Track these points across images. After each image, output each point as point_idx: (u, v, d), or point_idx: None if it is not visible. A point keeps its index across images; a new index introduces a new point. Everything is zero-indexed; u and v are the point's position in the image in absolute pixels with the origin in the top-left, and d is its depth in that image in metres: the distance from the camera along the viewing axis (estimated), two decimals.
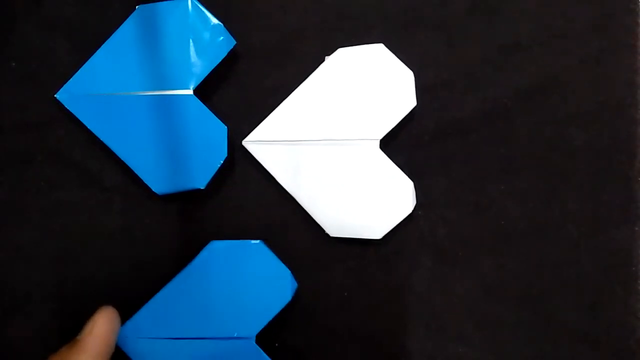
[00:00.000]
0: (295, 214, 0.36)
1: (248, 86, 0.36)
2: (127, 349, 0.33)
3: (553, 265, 0.34)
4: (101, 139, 0.35)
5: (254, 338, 0.33)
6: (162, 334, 0.33)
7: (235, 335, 0.33)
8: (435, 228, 0.35)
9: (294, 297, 0.34)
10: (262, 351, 0.33)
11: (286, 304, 0.33)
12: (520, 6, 0.35)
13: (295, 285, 0.34)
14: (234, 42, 0.35)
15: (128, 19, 0.35)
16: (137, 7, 0.35)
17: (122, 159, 0.35)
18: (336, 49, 0.35)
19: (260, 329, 0.33)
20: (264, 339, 0.34)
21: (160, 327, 0.33)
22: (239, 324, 0.33)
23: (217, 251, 0.34)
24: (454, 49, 0.35)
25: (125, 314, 0.35)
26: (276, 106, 0.35)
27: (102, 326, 0.31)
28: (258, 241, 0.34)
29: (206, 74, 0.34)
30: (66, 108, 0.35)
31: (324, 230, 0.35)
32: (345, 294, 0.35)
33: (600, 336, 0.34)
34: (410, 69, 0.34)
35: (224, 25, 0.34)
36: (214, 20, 0.34)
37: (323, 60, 0.35)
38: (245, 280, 0.33)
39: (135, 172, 0.35)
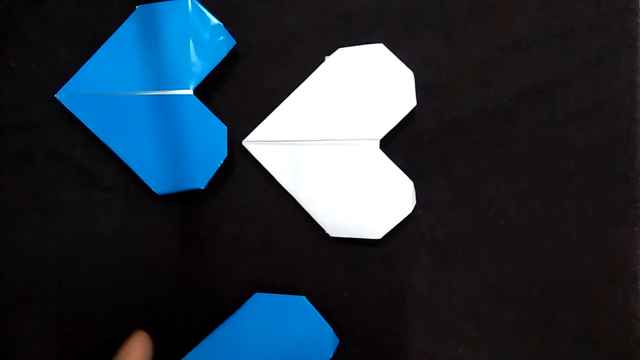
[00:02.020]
0: (295, 214, 0.36)
1: (248, 86, 0.36)
2: None
3: (553, 265, 0.34)
4: (101, 139, 0.35)
5: None
6: None
7: None
8: (435, 228, 0.35)
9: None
10: None
11: None
12: (520, 6, 0.35)
13: (337, 341, 0.34)
14: (234, 42, 0.35)
15: (128, 19, 0.35)
16: (137, 7, 0.35)
17: (122, 159, 0.35)
18: (336, 49, 0.35)
19: None
20: None
21: None
22: None
23: (260, 303, 0.34)
24: (454, 49, 0.35)
25: (125, 313, 0.35)
26: (276, 106, 0.35)
27: (137, 351, 0.32)
28: (302, 297, 0.34)
29: (206, 74, 0.34)
30: (66, 108, 0.35)
31: (324, 230, 0.35)
32: (345, 294, 0.35)
33: (600, 336, 0.34)
34: (410, 69, 0.34)
35: (224, 25, 0.34)
36: (214, 20, 0.34)
37: (323, 60, 0.35)
38: (287, 335, 0.33)
39: (135, 172, 0.35)
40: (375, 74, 0.34)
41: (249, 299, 0.34)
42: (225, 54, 0.34)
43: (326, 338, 0.33)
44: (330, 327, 0.33)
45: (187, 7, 0.34)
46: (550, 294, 0.34)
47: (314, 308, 0.34)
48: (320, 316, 0.34)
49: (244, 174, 0.36)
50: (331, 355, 0.33)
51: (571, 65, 0.35)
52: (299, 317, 0.33)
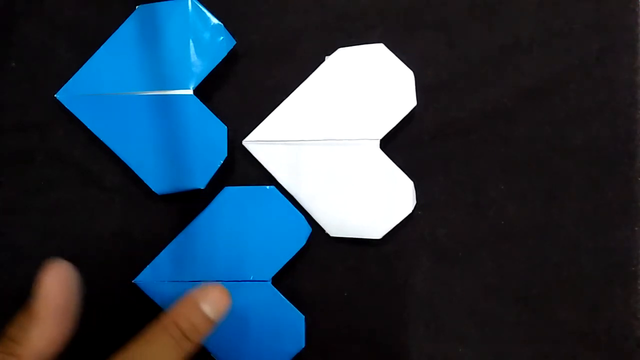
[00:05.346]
0: None
1: (248, 86, 0.36)
2: (149, 292, 0.35)
3: (553, 265, 0.34)
4: (101, 139, 0.35)
5: (270, 281, 0.34)
6: (181, 277, 0.34)
7: (251, 278, 0.34)
8: (435, 228, 0.35)
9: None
10: (278, 292, 0.34)
11: (300, 247, 0.34)
12: (520, 6, 0.35)
13: (310, 230, 0.34)
14: (234, 42, 0.35)
15: (128, 19, 0.35)
16: (137, 7, 0.35)
17: (122, 159, 0.35)
18: (336, 49, 0.35)
19: (276, 272, 0.34)
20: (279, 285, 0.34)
21: (180, 271, 0.34)
22: (255, 268, 0.34)
23: (231, 196, 0.35)
24: (454, 49, 0.35)
25: (125, 313, 0.35)
26: (276, 106, 0.35)
27: (50, 287, 0.28)
28: (272, 187, 0.34)
29: (206, 74, 0.34)
30: (66, 108, 0.35)
31: (324, 230, 0.35)
32: (345, 294, 0.35)
33: (600, 336, 0.34)
34: (410, 69, 0.34)
35: (224, 25, 0.34)
36: (214, 20, 0.34)
37: (323, 60, 0.35)
38: (260, 225, 0.34)
39: (135, 172, 0.35)
40: (375, 74, 0.34)
41: (219, 193, 0.35)
42: (225, 54, 0.34)
43: (299, 225, 0.34)
44: (301, 215, 0.34)
45: (187, 7, 0.34)
46: (550, 294, 0.34)
47: (284, 197, 0.34)
48: (291, 205, 0.34)
49: (244, 174, 0.36)
50: (304, 243, 0.34)
51: (571, 65, 0.35)
52: (270, 207, 0.34)
